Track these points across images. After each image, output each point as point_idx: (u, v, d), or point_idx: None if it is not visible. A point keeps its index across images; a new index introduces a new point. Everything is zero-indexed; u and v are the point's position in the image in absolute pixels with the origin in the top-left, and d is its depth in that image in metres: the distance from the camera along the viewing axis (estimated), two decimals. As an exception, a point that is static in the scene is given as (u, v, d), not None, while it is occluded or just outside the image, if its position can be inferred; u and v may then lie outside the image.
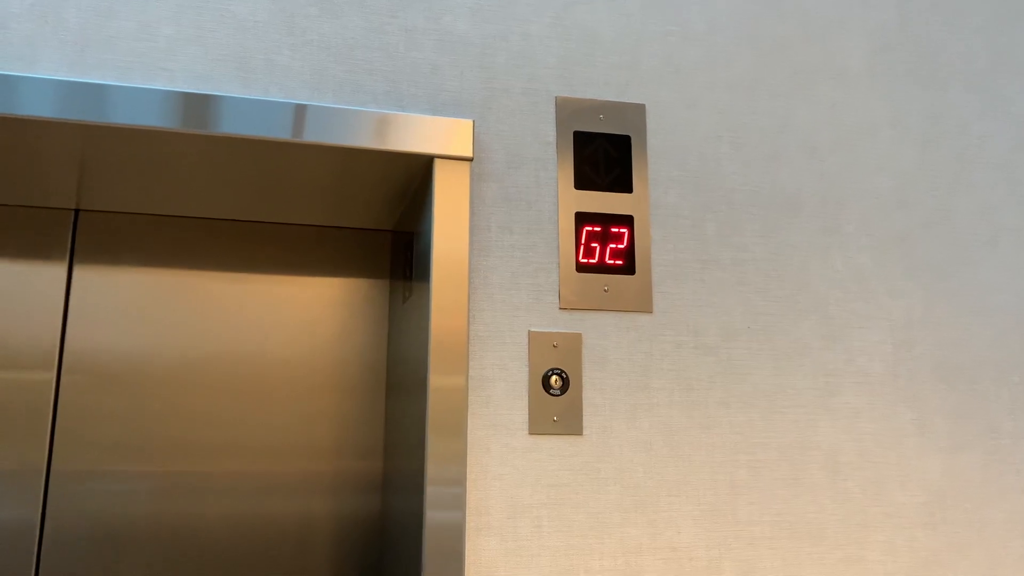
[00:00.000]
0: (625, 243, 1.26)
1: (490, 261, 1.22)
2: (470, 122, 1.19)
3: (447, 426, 1.11)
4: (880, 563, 1.26)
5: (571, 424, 1.20)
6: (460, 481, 1.10)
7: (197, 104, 1.10)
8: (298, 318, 1.43)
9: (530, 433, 1.18)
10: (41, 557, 1.26)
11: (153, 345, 1.36)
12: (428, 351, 1.14)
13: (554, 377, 1.20)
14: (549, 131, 1.28)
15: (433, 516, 1.09)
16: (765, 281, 1.32)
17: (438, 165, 1.17)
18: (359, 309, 1.46)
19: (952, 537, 1.30)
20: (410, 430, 1.21)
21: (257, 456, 1.37)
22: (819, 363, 1.31)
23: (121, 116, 1.07)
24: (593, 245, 1.25)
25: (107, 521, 1.29)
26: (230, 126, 1.10)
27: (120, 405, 1.33)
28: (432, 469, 1.10)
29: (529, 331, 1.21)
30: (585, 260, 1.24)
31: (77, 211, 1.38)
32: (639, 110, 1.32)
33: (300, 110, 1.13)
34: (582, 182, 1.27)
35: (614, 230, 1.26)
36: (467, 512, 1.13)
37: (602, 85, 1.32)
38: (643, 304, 1.25)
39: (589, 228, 1.25)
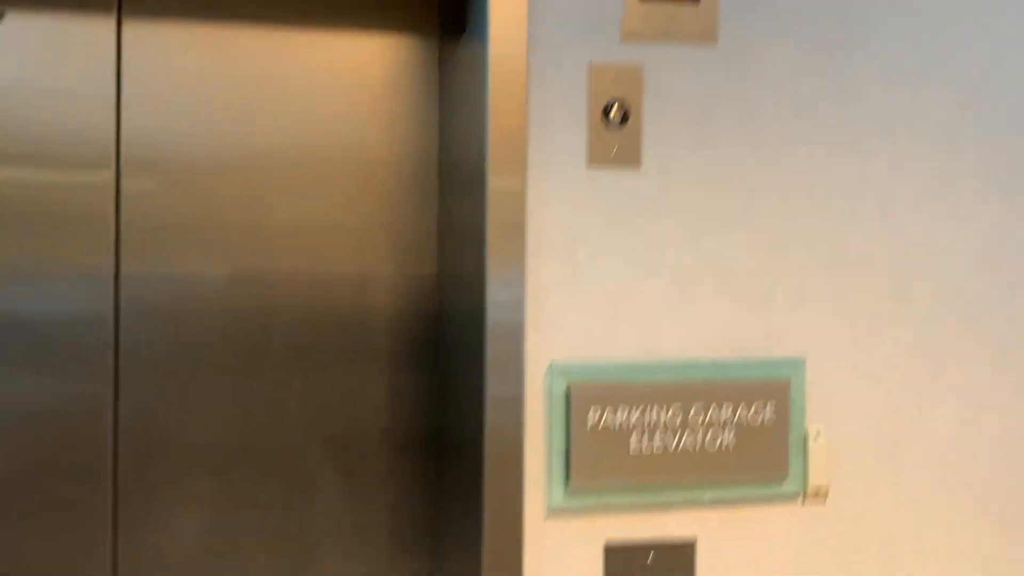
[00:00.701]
0: (692, -30, 1.21)
1: (551, -12, 1.18)
2: None
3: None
4: (928, 299, 1.29)
5: (630, 156, 1.20)
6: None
7: None
8: (353, 86, 1.35)
9: (588, 165, 1.19)
10: (120, 347, 1.29)
11: (209, 126, 1.28)
12: (487, 85, 1.12)
13: (614, 109, 1.19)
14: None
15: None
16: (835, 15, 1.26)
17: None
18: (410, 73, 1.39)
19: (1000, 279, 1.32)
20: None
21: (317, 249, 1.34)
22: (885, 104, 1.28)
23: None
24: (657, -26, 1.20)
25: (179, 313, 1.31)
26: None
27: (182, 198, 1.28)
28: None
29: (590, 62, 1.19)
30: (649, -11, 1.20)
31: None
32: None
33: None
34: (649, -99, 1.20)
35: (681, -44, 1.20)
36: (526, 240, 1.16)
37: None
38: (707, 36, 1.22)
39: (654, -47, 1.20)
